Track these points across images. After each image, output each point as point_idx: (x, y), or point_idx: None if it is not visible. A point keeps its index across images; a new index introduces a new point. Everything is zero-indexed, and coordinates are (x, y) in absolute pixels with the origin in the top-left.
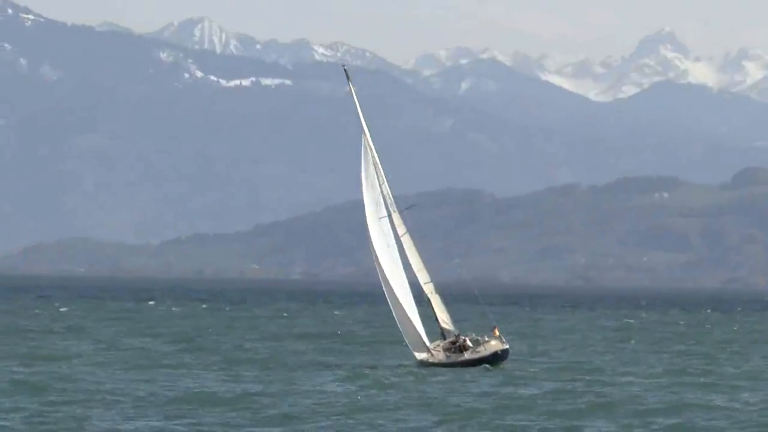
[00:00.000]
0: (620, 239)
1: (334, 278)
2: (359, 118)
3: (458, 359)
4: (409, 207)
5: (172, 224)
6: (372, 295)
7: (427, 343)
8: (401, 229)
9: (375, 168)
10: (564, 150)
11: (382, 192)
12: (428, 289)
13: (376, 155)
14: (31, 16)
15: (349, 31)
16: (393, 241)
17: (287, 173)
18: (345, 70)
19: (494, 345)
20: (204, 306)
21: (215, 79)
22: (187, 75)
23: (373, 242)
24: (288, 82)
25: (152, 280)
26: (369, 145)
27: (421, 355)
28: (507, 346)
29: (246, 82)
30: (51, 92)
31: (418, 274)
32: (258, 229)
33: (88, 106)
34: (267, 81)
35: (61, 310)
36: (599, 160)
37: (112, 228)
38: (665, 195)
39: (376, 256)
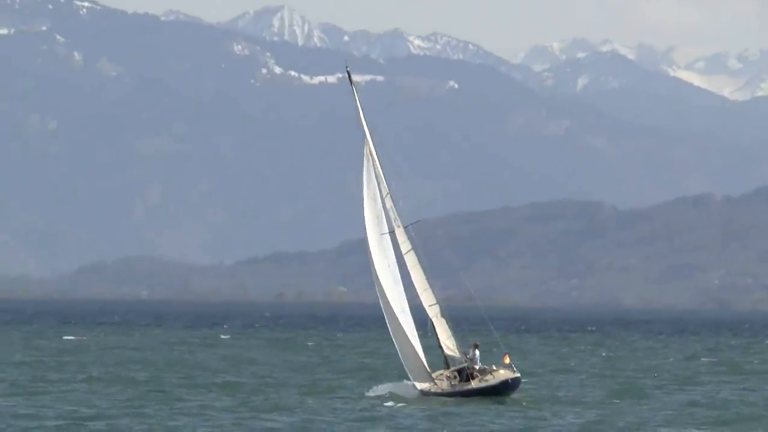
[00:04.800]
0: (760, 256)
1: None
2: (362, 124)
3: (464, 388)
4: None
5: (248, 241)
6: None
7: (430, 371)
8: (405, 246)
9: (377, 179)
10: (696, 156)
11: (384, 206)
12: (432, 311)
13: (378, 165)
14: (86, 4)
15: (448, 20)
16: (394, 261)
17: None
18: (348, 71)
19: (504, 373)
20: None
21: (296, 74)
22: (264, 70)
23: (374, 261)
24: (380, 78)
25: (220, 305)
26: (371, 153)
27: (422, 385)
28: (518, 375)
29: (332, 79)
30: (110, 91)
31: (421, 296)
32: (345, 246)
33: (152, 106)
34: (356, 77)
35: None
36: (735, 167)
37: (179, 245)
38: None
39: (376, 276)
